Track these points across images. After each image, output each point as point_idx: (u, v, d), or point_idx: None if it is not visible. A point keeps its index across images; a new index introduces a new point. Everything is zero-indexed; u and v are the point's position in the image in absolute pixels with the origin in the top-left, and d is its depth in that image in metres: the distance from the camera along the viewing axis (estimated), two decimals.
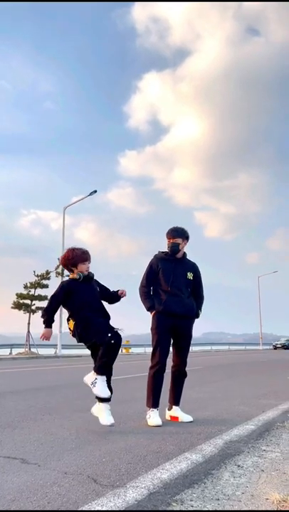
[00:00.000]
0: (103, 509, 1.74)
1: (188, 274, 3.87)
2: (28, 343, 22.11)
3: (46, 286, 22.84)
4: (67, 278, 3.71)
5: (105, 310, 3.62)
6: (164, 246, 3.94)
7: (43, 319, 3.51)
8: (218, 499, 1.97)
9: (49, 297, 3.58)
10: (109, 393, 3.32)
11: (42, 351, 23.22)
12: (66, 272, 4.04)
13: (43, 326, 3.51)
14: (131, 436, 3.17)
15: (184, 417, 3.77)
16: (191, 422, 3.71)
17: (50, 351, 23.98)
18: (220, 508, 1.87)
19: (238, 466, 2.52)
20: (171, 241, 3.86)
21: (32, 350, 22.07)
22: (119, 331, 3.32)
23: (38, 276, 22.68)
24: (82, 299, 3.48)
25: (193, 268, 3.95)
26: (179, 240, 3.85)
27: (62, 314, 22.94)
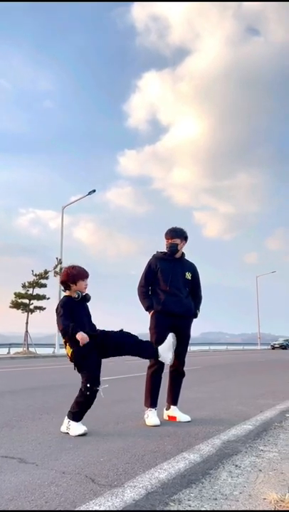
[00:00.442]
0: (101, 509, 1.74)
1: (187, 274, 3.88)
2: (26, 342, 22.08)
3: (45, 285, 22.82)
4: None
5: (98, 332, 3.41)
6: (163, 246, 3.95)
7: (69, 334, 3.27)
8: (216, 499, 1.98)
9: (60, 321, 3.29)
10: (85, 428, 3.24)
11: (40, 351, 23.20)
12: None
13: (75, 333, 3.23)
14: (129, 436, 3.17)
15: (182, 417, 3.77)
16: (189, 421, 3.71)
17: (49, 351, 23.96)
18: (218, 508, 1.87)
19: (236, 465, 2.52)
20: (170, 241, 3.87)
21: (30, 349, 22.05)
22: (104, 387, 3.29)
23: (36, 275, 22.65)
24: (79, 319, 3.35)
25: (192, 268, 3.96)
26: (177, 241, 3.86)
27: None
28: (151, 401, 3.66)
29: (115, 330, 3.42)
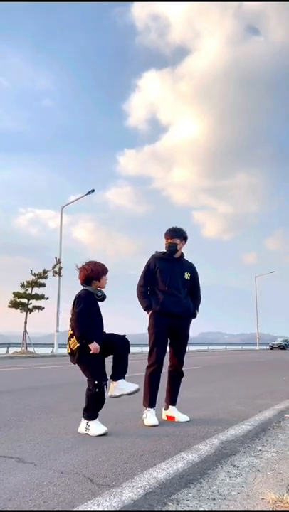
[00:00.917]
0: (99, 509, 1.74)
1: (186, 274, 3.88)
2: (25, 342, 22.07)
3: (43, 285, 22.80)
4: (86, 289, 3.42)
5: (105, 333, 3.44)
6: (162, 245, 3.95)
7: (83, 339, 3.26)
8: (214, 499, 1.98)
9: (76, 316, 3.24)
10: (106, 428, 3.23)
11: (39, 350, 23.18)
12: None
13: (89, 342, 3.24)
14: (127, 436, 3.17)
15: (181, 417, 3.77)
16: (187, 421, 3.71)
17: (47, 350, 23.95)
18: (216, 508, 1.88)
19: (234, 466, 2.52)
20: (169, 241, 3.86)
21: (29, 349, 22.03)
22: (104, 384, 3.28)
23: (35, 275, 22.63)
24: (96, 319, 3.35)
25: (191, 268, 3.96)
26: (176, 241, 3.86)
27: (59, 313, 22.98)
28: (150, 401, 3.66)
29: (120, 334, 3.41)
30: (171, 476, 2.17)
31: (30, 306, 22.56)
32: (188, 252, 4.03)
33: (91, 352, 3.22)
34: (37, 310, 22.72)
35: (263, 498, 1.98)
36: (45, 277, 22.77)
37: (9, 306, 22.63)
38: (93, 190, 24.55)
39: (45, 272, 22.77)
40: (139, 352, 24.67)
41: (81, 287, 3.45)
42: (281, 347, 43.51)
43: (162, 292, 3.77)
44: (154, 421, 3.58)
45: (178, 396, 3.92)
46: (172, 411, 3.84)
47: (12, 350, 23.08)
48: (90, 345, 3.22)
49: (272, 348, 44.23)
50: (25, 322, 22.37)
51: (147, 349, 3.90)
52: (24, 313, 22.52)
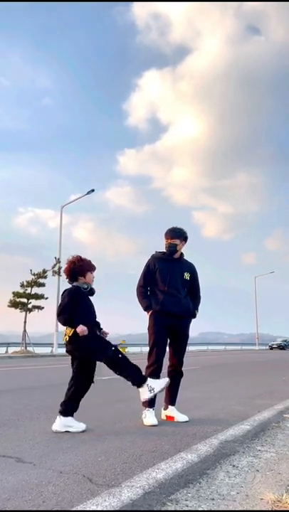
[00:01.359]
0: (98, 508, 1.74)
1: (186, 274, 3.88)
2: (25, 341, 22.07)
3: (43, 284, 22.80)
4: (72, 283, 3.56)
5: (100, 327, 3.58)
6: (162, 245, 3.95)
7: (66, 324, 3.38)
8: (213, 499, 1.98)
9: (61, 308, 3.37)
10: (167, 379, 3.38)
11: (38, 350, 23.18)
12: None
13: (71, 326, 3.34)
14: (126, 436, 3.17)
15: (180, 417, 3.77)
16: (186, 421, 3.71)
17: (47, 350, 23.95)
18: (215, 508, 1.88)
19: (233, 466, 2.52)
20: (169, 241, 3.86)
21: (28, 348, 22.03)
22: (120, 344, 3.35)
23: (34, 274, 22.63)
24: (85, 309, 3.44)
25: (191, 268, 3.96)
26: (176, 241, 3.86)
27: None
28: (149, 401, 3.66)
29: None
30: (171, 476, 2.17)
31: (29, 306, 22.56)
32: (189, 252, 4.02)
33: (80, 335, 3.27)
34: (36, 310, 22.72)
35: (262, 498, 1.98)
36: (45, 277, 22.77)
37: (9, 306, 22.63)
38: (93, 190, 24.55)
39: (44, 271, 22.76)
40: (139, 352, 24.68)
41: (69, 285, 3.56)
42: (280, 347, 43.51)
43: (162, 292, 3.77)
44: (154, 421, 3.58)
45: (177, 396, 3.92)
46: (171, 411, 3.84)
47: (11, 349, 23.08)
48: (77, 330, 3.26)
49: (271, 348, 44.24)
50: (25, 322, 22.37)
51: (147, 349, 3.90)
52: (24, 312, 22.52)
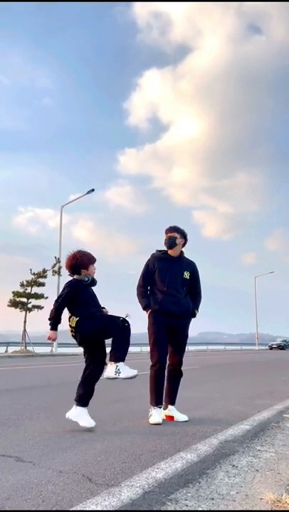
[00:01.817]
0: (98, 508, 1.74)
1: (185, 273, 3.87)
2: (24, 341, 22.08)
3: (43, 284, 22.81)
4: (72, 278, 3.64)
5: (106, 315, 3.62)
6: (162, 245, 3.94)
7: (49, 322, 3.45)
8: (213, 499, 1.98)
9: (57, 298, 3.49)
10: (136, 371, 3.34)
11: (38, 349, 23.18)
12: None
13: (49, 328, 3.45)
14: (126, 436, 3.17)
15: (180, 417, 3.77)
16: (186, 421, 3.71)
17: (46, 349, 23.95)
18: (214, 508, 1.88)
19: (233, 465, 2.53)
20: (169, 234, 3.85)
21: (28, 348, 22.04)
22: (127, 318, 3.37)
23: (34, 274, 22.63)
24: (88, 299, 3.51)
25: (191, 266, 3.94)
26: (176, 234, 3.85)
27: None
28: (156, 399, 3.67)
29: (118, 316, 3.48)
30: (170, 476, 2.17)
31: (29, 306, 22.57)
32: (189, 252, 4.00)
33: (47, 339, 3.45)
34: (36, 309, 22.73)
35: (261, 498, 1.98)
36: (45, 277, 22.78)
37: (9, 306, 22.64)
38: (93, 190, 24.55)
39: (44, 271, 22.77)
40: (138, 351, 24.69)
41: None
42: (280, 347, 43.51)
43: (161, 292, 3.77)
44: (158, 419, 3.59)
45: (177, 396, 3.92)
46: (171, 411, 3.84)
47: (11, 349, 23.09)
48: (49, 335, 3.43)
49: (271, 348, 44.24)
50: (25, 321, 22.37)
51: (146, 348, 3.91)
52: (24, 312, 22.53)
